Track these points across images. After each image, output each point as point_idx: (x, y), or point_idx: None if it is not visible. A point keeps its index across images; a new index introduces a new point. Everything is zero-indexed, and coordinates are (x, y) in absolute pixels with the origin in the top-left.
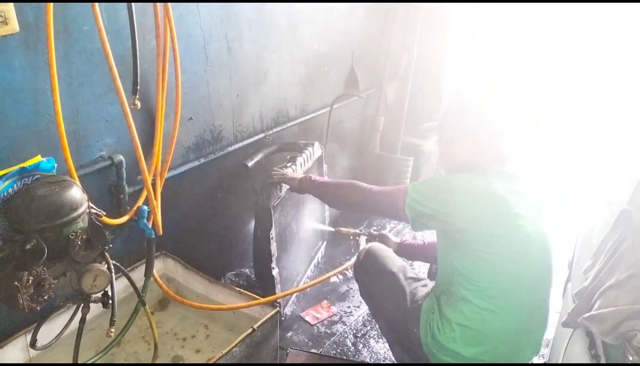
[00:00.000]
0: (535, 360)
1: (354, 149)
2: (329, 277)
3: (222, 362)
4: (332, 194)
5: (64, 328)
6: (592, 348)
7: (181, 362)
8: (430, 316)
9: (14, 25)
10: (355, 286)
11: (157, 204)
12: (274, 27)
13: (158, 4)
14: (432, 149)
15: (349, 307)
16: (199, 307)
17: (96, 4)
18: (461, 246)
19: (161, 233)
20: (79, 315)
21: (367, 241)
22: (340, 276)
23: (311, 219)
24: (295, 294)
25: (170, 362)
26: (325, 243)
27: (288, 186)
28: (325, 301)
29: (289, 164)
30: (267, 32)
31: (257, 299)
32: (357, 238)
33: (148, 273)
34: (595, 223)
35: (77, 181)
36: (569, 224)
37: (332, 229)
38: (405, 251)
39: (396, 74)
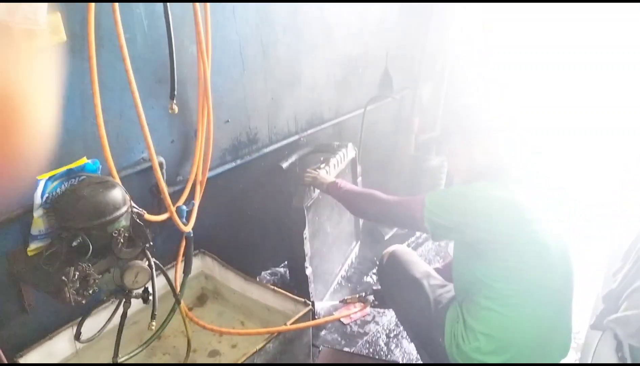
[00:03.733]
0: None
1: (388, 151)
2: (342, 317)
3: (255, 359)
4: (352, 204)
5: (107, 321)
6: (619, 350)
7: (214, 361)
8: (454, 326)
9: (62, 35)
10: None
11: (173, 207)
12: (308, 30)
13: (198, 4)
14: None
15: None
16: (215, 330)
17: (117, 6)
18: (483, 256)
19: (187, 230)
20: (121, 309)
21: (375, 298)
22: (374, 277)
23: (344, 220)
24: (329, 294)
25: (207, 358)
26: (359, 243)
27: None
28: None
29: (322, 165)
30: (301, 36)
31: (289, 295)
32: (364, 301)
33: (187, 270)
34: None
35: (119, 182)
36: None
37: (337, 302)
38: None
39: (431, 74)
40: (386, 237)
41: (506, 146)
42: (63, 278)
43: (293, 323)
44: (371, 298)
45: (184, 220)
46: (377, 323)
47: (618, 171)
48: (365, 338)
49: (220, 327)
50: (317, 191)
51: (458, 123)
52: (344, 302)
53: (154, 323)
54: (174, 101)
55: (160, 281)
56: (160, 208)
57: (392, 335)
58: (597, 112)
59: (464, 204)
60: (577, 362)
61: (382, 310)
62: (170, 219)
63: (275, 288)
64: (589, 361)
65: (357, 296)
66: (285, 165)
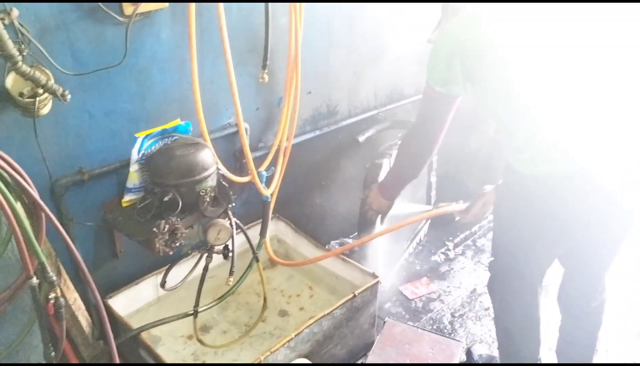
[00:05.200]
0: None
1: (467, 130)
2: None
3: (324, 321)
4: (401, 171)
5: (188, 273)
6: None
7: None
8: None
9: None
10: (456, 266)
11: (256, 173)
12: (396, 6)
13: None
14: None
15: (448, 287)
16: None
17: None
18: (493, 72)
19: (265, 195)
20: (201, 263)
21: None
22: (442, 256)
23: (416, 198)
24: (396, 269)
25: (277, 316)
26: (429, 221)
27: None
28: (425, 278)
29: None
30: (388, 11)
31: (357, 265)
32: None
33: (263, 233)
34: None
35: (210, 144)
36: None
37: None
38: None
39: None
40: (457, 218)
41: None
42: (154, 229)
43: (361, 292)
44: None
45: (264, 185)
46: (443, 302)
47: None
48: (429, 315)
49: (289, 290)
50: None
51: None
52: (437, 206)
53: (231, 279)
54: (265, 70)
55: (237, 241)
56: (241, 172)
57: (457, 315)
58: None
59: (449, 29)
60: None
61: (448, 290)
62: (249, 183)
63: (345, 257)
64: None
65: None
66: (362, 139)
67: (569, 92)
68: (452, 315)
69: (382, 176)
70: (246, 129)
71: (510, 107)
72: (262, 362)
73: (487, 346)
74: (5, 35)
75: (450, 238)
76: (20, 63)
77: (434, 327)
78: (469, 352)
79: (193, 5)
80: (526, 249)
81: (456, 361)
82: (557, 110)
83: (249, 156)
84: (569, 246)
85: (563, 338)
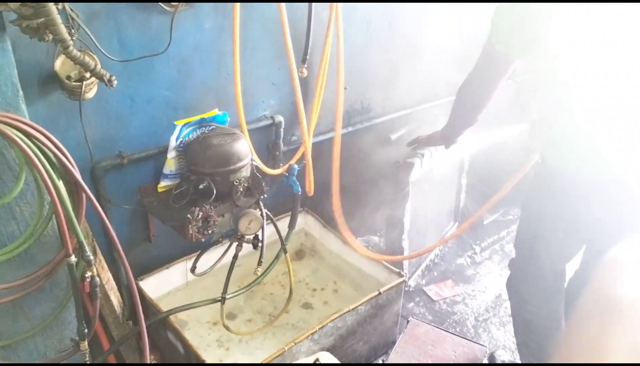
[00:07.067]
0: None
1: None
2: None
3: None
4: (455, 117)
5: (217, 260)
6: None
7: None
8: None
9: None
10: (482, 270)
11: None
12: (436, 5)
13: None
14: None
15: (473, 290)
16: None
17: None
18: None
19: (312, 193)
20: (230, 252)
21: None
22: (469, 259)
23: (445, 199)
24: (421, 269)
25: (300, 309)
26: (457, 224)
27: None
28: (450, 280)
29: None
30: (428, 9)
31: (384, 263)
32: None
33: (291, 225)
34: None
35: (247, 135)
36: None
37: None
38: None
39: None
40: (485, 222)
41: None
42: (188, 215)
43: (387, 290)
44: None
45: (294, 178)
46: (467, 305)
47: None
48: (453, 317)
49: (314, 283)
50: (424, 167)
51: None
52: None
53: (259, 269)
54: (305, 65)
55: (266, 231)
56: (274, 164)
57: (480, 319)
58: None
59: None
60: None
61: (472, 294)
62: (280, 175)
63: (371, 254)
64: None
65: None
66: (394, 137)
67: (615, 99)
68: (476, 319)
69: (413, 176)
70: (280, 122)
71: (554, 96)
72: (285, 352)
73: (510, 353)
74: (59, 20)
75: (478, 242)
76: (71, 47)
77: (457, 330)
78: (491, 357)
79: (238, 4)
80: (547, 236)
81: None
82: (600, 112)
83: (309, 152)
84: (592, 254)
85: None
